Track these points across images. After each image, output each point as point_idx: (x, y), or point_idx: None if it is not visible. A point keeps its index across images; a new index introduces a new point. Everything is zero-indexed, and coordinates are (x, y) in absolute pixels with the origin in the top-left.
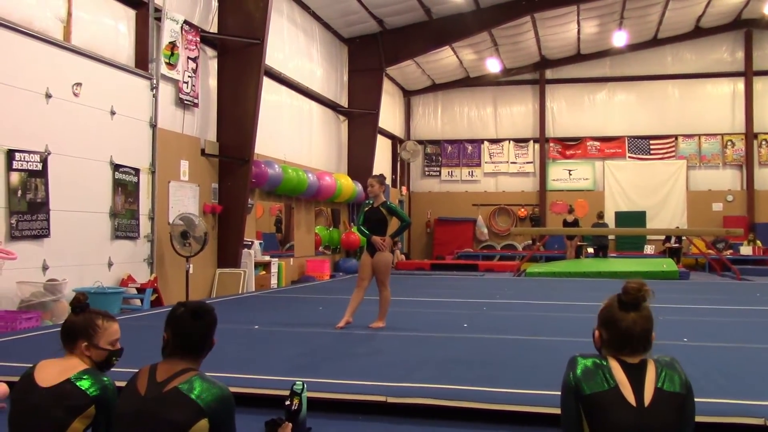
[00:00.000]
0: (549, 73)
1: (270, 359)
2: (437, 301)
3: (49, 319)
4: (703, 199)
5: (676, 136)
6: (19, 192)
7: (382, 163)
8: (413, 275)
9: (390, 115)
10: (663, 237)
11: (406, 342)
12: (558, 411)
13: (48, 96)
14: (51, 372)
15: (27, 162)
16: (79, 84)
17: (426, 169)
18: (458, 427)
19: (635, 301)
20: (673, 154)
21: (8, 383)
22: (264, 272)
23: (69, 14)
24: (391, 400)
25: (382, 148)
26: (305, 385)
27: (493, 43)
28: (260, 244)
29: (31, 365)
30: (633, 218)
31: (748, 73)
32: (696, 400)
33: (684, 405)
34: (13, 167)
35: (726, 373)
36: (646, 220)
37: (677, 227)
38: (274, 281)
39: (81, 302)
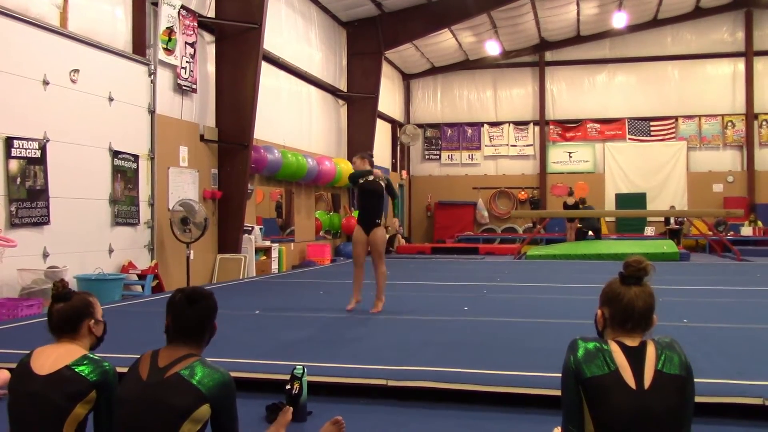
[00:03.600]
0: (549, 55)
1: (271, 344)
2: (438, 284)
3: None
4: (704, 180)
5: (676, 118)
6: (19, 179)
7: (381, 147)
8: (414, 259)
9: (389, 98)
10: (664, 218)
11: (406, 325)
12: (558, 393)
13: (45, 83)
14: (48, 359)
15: (26, 149)
16: (76, 70)
17: (426, 152)
18: (459, 409)
19: (636, 274)
20: (673, 135)
21: (10, 370)
22: (265, 257)
23: (65, 0)
24: (391, 383)
25: (382, 132)
26: (306, 370)
27: (492, 26)
28: (261, 229)
29: (26, 352)
30: (633, 200)
31: (748, 54)
32: (695, 380)
33: (684, 386)
34: (12, 155)
35: (725, 353)
36: (646, 201)
37: (672, 207)
38: (274, 266)
39: (67, 287)
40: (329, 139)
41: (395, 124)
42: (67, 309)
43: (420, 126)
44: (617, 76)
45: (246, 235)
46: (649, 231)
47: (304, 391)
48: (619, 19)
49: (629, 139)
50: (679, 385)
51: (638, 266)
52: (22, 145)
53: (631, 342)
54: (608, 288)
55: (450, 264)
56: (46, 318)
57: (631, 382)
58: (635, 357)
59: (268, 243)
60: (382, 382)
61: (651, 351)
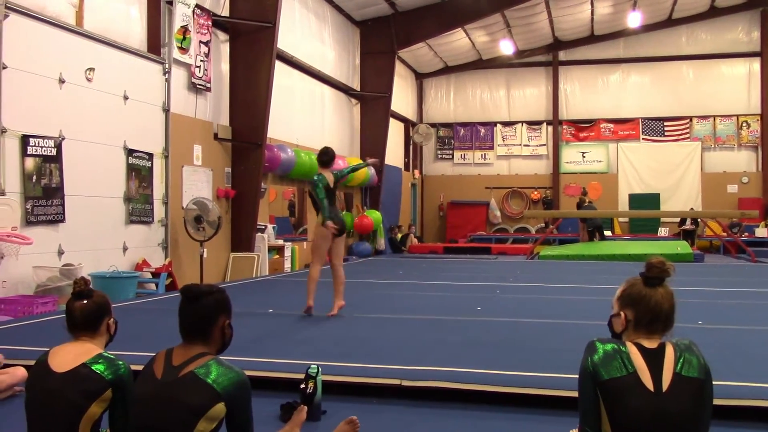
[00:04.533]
0: (562, 55)
1: (284, 343)
2: (450, 284)
3: (65, 304)
4: (718, 180)
5: (690, 118)
6: (34, 177)
7: (394, 146)
8: (426, 258)
9: (402, 98)
10: (678, 219)
11: (419, 325)
12: (573, 394)
13: (61, 81)
14: (65, 357)
15: (41, 147)
16: (92, 69)
17: (438, 152)
18: (472, 409)
19: (661, 275)
20: (687, 135)
21: (26, 367)
22: (277, 256)
23: None
24: (405, 383)
25: (395, 131)
26: (320, 369)
27: (505, 25)
28: (273, 228)
29: (46, 350)
30: (647, 200)
31: (764, 53)
32: None
33: (702, 389)
34: (28, 153)
35: (741, 355)
36: (660, 202)
37: (691, 209)
38: (287, 265)
39: (88, 285)
40: (342, 138)
41: (408, 124)
42: (90, 306)
43: (433, 125)
44: (631, 76)
45: (259, 233)
46: (662, 232)
47: (319, 390)
48: (634, 19)
49: (643, 139)
50: (698, 388)
51: (662, 267)
52: (38, 143)
53: (650, 344)
54: (632, 289)
55: (462, 264)
56: (65, 315)
57: (649, 384)
58: (654, 359)
59: (281, 242)
60: (396, 382)
61: (670, 353)
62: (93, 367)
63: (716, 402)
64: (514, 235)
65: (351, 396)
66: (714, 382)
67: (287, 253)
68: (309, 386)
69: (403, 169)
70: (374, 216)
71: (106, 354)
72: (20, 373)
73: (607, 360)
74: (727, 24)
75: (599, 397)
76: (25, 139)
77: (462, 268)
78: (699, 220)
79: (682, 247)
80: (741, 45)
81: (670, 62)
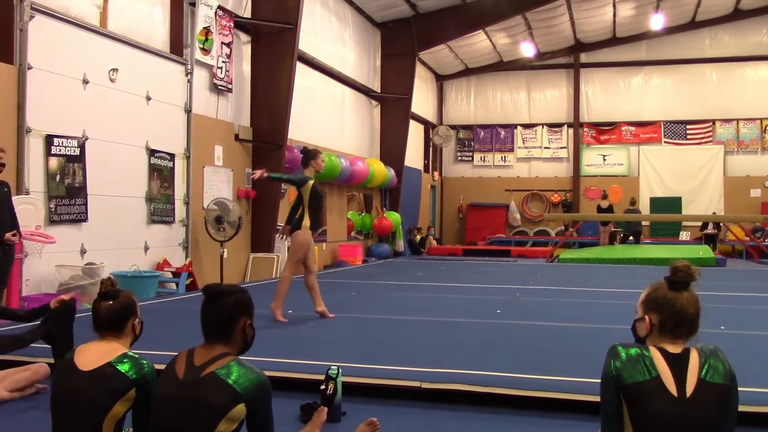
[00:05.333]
0: (584, 57)
1: (304, 344)
2: (470, 286)
3: (88, 302)
4: (741, 184)
5: (713, 121)
6: (58, 177)
7: (414, 148)
8: (445, 261)
9: (422, 99)
10: (700, 223)
11: (439, 327)
12: (594, 399)
13: (85, 82)
14: (91, 356)
15: (65, 147)
16: (115, 70)
17: (458, 154)
18: (492, 413)
19: (686, 279)
20: (710, 139)
21: (49, 365)
22: None
23: (105, 0)
24: (425, 385)
25: (415, 133)
26: (340, 370)
27: (527, 27)
28: None
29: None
30: (668, 204)
31: None
32: None
33: (727, 396)
34: (52, 152)
35: (764, 361)
36: (681, 206)
37: (714, 213)
38: None
39: (115, 285)
40: (362, 139)
41: (428, 125)
42: (116, 307)
43: (453, 127)
44: (653, 79)
45: (279, 234)
46: (684, 236)
47: (339, 392)
48: (657, 21)
49: (665, 142)
50: (723, 395)
51: (688, 271)
52: (62, 143)
53: (674, 349)
54: (656, 294)
55: (481, 266)
56: (92, 315)
57: (672, 389)
58: (677, 364)
59: None
60: (416, 384)
61: (694, 358)
62: (118, 367)
63: (740, 409)
64: (533, 238)
65: (371, 397)
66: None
67: None
68: (329, 387)
69: (422, 171)
70: (393, 218)
71: (131, 353)
72: (43, 370)
73: (629, 364)
74: (752, 26)
75: (622, 401)
76: (49, 139)
77: (481, 270)
78: (721, 224)
79: (704, 251)
80: (765, 48)
81: (693, 65)
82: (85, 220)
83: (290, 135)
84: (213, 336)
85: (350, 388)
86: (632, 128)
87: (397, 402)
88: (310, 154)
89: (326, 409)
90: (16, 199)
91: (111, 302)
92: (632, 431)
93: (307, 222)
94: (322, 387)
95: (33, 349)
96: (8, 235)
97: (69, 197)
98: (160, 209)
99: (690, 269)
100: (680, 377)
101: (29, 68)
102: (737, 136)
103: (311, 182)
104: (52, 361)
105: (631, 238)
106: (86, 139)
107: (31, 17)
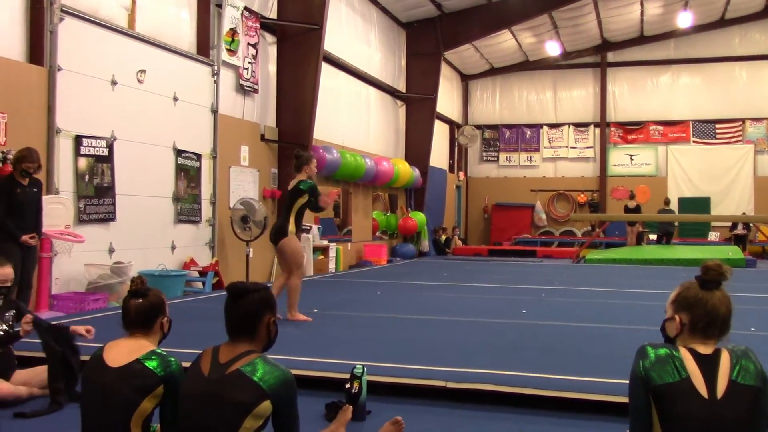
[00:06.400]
0: (611, 56)
1: (329, 342)
2: (495, 287)
3: (116, 301)
4: None
5: (743, 120)
6: (87, 177)
7: (439, 148)
8: (471, 261)
9: (448, 99)
10: (729, 224)
11: (464, 327)
12: (622, 400)
13: (114, 83)
14: (120, 352)
15: (94, 147)
16: (143, 71)
17: (484, 154)
18: (518, 413)
19: (718, 279)
20: (740, 138)
21: (83, 362)
22: (322, 257)
23: (133, 2)
24: (450, 385)
25: (440, 133)
26: (365, 369)
27: (553, 26)
28: (318, 228)
29: (99, 345)
30: (697, 204)
31: None
32: None
33: (759, 398)
34: (81, 153)
35: None
36: (710, 206)
37: (743, 213)
38: (332, 266)
39: (145, 283)
40: (387, 139)
41: (453, 125)
42: (145, 305)
43: (478, 127)
44: (681, 77)
45: (304, 234)
46: (713, 236)
47: (364, 391)
48: (685, 19)
49: (693, 141)
50: (754, 396)
51: (720, 270)
52: (91, 144)
53: (705, 349)
54: (687, 293)
55: (507, 266)
56: (121, 312)
57: (703, 390)
58: (708, 365)
59: (325, 242)
60: (441, 383)
61: (725, 359)
62: (146, 363)
63: None
64: (559, 239)
65: (396, 397)
66: None
67: (332, 254)
68: (354, 386)
69: (447, 171)
70: (418, 218)
71: (159, 350)
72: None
73: (659, 364)
74: None
75: (650, 402)
76: (78, 140)
77: (507, 270)
78: (751, 224)
79: (733, 252)
80: None
81: (723, 63)
82: (113, 219)
83: (316, 135)
84: (238, 334)
85: (375, 387)
86: (660, 128)
87: (423, 401)
88: (303, 159)
89: (351, 407)
90: (46, 199)
91: (141, 300)
92: None
93: (292, 227)
94: (348, 386)
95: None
96: (25, 237)
97: (98, 197)
98: (186, 209)
99: (722, 268)
100: (711, 379)
101: (59, 70)
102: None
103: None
104: (81, 358)
105: (654, 237)
106: (115, 139)
107: (61, 19)
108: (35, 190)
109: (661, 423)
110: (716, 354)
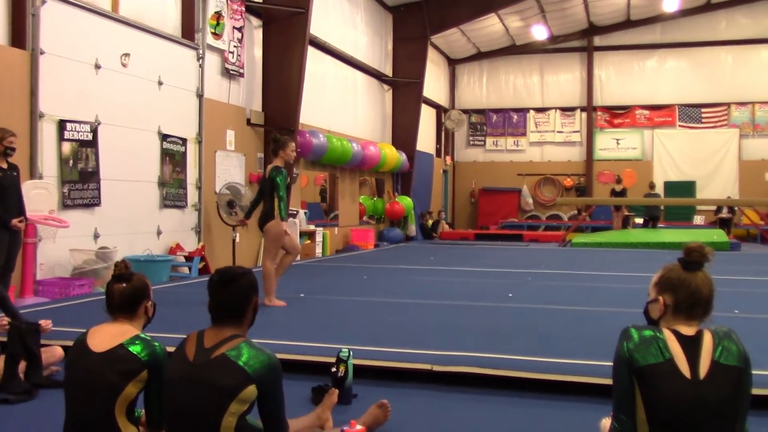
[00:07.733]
0: (597, 40)
1: (316, 326)
2: (482, 270)
3: (101, 286)
4: (757, 168)
5: (728, 104)
6: (71, 162)
7: (426, 132)
8: (457, 245)
9: (434, 84)
10: (714, 207)
11: (450, 311)
12: (606, 381)
13: (97, 67)
14: (104, 337)
15: (78, 132)
16: (127, 54)
17: (470, 138)
18: (503, 395)
19: (700, 260)
20: (725, 122)
21: (63, 347)
22: (309, 241)
23: None
24: (436, 368)
25: (427, 117)
26: (351, 353)
27: (539, 10)
28: (305, 213)
29: (83, 331)
30: (682, 188)
31: None
32: None
33: (741, 378)
34: (65, 137)
35: None
36: (696, 190)
37: (729, 197)
38: (318, 250)
39: (129, 268)
40: (374, 124)
41: (440, 110)
42: (129, 290)
43: (465, 111)
44: (668, 62)
45: (291, 219)
46: (698, 220)
47: (350, 374)
48: (671, 3)
49: (679, 126)
50: (736, 377)
51: (702, 252)
52: (75, 128)
53: (688, 330)
54: (670, 274)
55: (494, 251)
56: (105, 296)
57: (686, 371)
58: (691, 346)
59: (312, 227)
60: (427, 366)
61: (708, 340)
62: (130, 348)
63: (753, 391)
64: (546, 222)
65: (382, 380)
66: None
67: (318, 238)
68: (340, 370)
69: (434, 156)
70: (405, 202)
71: (143, 335)
72: (57, 352)
73: (642, 346)
74: None
75: (634, 384)
76: (62, 124)
77: (493, 254)
78: (736, 208)
79: (718, 235)
80: None
81: (708, 47)
82: (98, 204)
83: (302, 119)
84: (224, 318)
85: (361, 371)
86: (646, 112)
87: (409, 384)
88: (279, 144)
89: (337, 391)
90: (28, 184)
91: (124, 285)
92: (645, 413)
93: (278, 211)
94: (334, 369)
95: (46, 333)
96: (15, 221)
97: (82, 182)
98: (172, 194)
99: (704, 250)
100: (693, 359)
101: (42, 53)
102: (753, 120)
103: (284, 172)
104: (65, 343)
105: (640, 221)
106: (99, 124)
107: (44, 2)
108: (15, 173)
109: (645, 404)
110: (699, 335)
